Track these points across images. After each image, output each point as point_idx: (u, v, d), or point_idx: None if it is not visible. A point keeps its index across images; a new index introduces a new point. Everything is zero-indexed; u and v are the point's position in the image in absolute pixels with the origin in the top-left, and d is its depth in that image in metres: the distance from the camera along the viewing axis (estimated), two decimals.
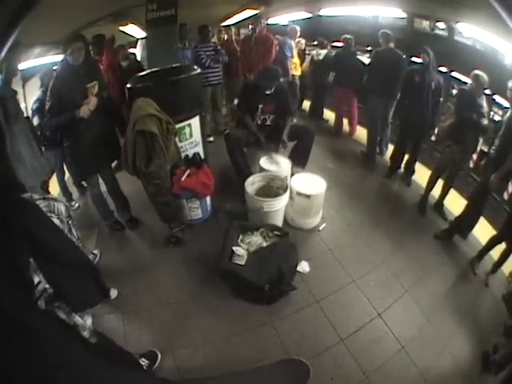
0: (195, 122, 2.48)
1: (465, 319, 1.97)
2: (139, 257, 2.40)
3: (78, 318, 1.15)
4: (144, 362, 1.62)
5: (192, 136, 2.51)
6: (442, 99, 2.97)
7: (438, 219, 2.83)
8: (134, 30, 3.48)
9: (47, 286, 1.02)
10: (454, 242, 2.60)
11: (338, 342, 1.78)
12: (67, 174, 2.80)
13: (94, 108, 2.05)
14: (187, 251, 2.38)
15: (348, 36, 3.72)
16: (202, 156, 2.60)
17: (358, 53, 3.87)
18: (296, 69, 4.26)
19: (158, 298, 2.04)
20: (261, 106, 2.79)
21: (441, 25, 3.32)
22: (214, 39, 4.10)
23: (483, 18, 2.56)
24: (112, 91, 2.55)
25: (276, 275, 1.91)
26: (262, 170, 2.66)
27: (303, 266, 2.20)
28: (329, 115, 4.45)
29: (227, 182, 2.94)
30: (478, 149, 2.73)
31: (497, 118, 2.79)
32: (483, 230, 2.53)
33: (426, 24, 3.50)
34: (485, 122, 2.49)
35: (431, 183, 2.86)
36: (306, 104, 4.77)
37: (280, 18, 4.85)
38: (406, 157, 3.28)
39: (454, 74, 3.24)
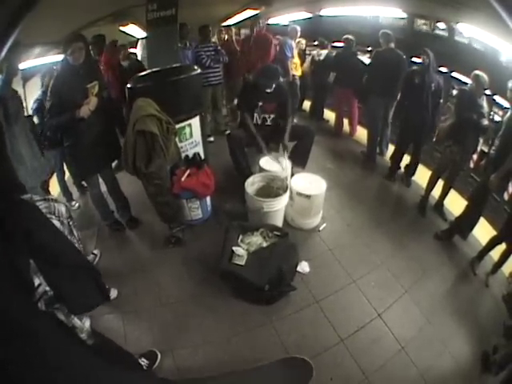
0: (195, 122, 2.49)
1: (465, 319, 1.97)
2: (139, 257, 2.40)
3: (76, 320, 1.15)
4: (144, 362, 1.62)
5: (192, 136, 2.51)
6: (442, 101, 2.97)
7: (438, 219, 2.83)
8: (135, 30, 3.48)
9: (47, 288, 1.02)
10: (454, 242, 2.60)
11: (337, 343, 1.78)
12: (67, 174, 2.81)
13: (94, 108, 2.05)
14: (187, 251, 2.38)
15: (349, 36, 3.71)
16: (202, 156, 2.60)
17: (359, 53, 3.86)
18: (296, 69, 4.25)
19: (158, 298, 2.04)
20: (260, 104, 2.79)
21: (441, 25, 3.31)
22: (215, 39, 4.10)
23: (483, 19, 2.56)
24: (112, 91, 2.55)
25: (276, 275, 1.91)
26: (261, 170, 2.66)
27: (303, 267, 2.20)
28: (329, 115, 4.45)
29: (227, 182, 2.94)
30: (478, 149, 2.73)
31: (497, 118, 2.79)
32: (483, 231, 2.53)
33: (426, 24, 3.50)
34: (485, 122, 2.48)
35: (431, 183, 2.86)
36: (307, 104, 4.77)
37: (280, 18, 4.85)
38: (408, 159, 3.28)
39: (454, 74, 3.23)
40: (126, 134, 2.09)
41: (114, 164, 2.52)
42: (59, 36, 2.26)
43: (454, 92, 3.12)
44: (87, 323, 1.21)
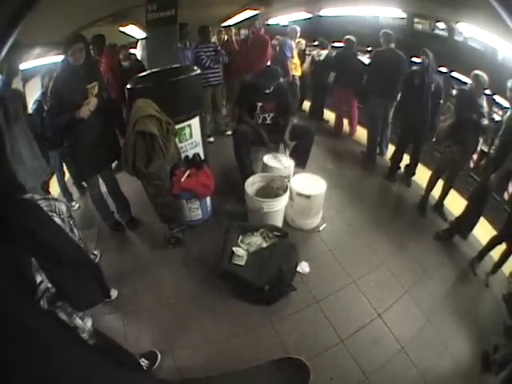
0: (195, 122, 2.49)
1: (465, 319, 1.97)
2: (139, 257, 2.40)
3: (78, 320, 1.15)
4: (144, 362, 1.62)
5: (192, 137, 2.51)
6: (441, 101, 2.97)
7: (438, 219, 2.83)
8: (134, 31, 3.48)
9: (49, 285, 1.02)
10: (454, 242, 2.60)
11: (337, 343, 1.78)
12: (67, 175, 2.81)
13: (94, 109, 2.05)
14: (187, 252, 2.38)
15: (350, 37, 3.70)
16: (202, 157, 2.60)
17: (359, 53, 3.86)
18: (296, 69, 4.25)
19: (158, 299, 2.04)
20: (260, 105, 2.79)
21: (441, 25, 3.31)
22: (215, 39, 4.11)
23: (483, 18, 2.56)
24: (112, 92, 2.55)
25: (276, 276, 1.91)
26: (265, 167, 2.65)
27: (303, 267, 2.20)
28: (329, 115, 4.45)
29: (227, 182, 2.94)
30: (478, 149, 2.73)
31: (497, 117, 2.79)
32: (483, 231, 2.53)
33: (423, 23, 3.50)
34: (485, 121, 2.48)
35: (431, 183, 2.85)
36: (306, 104, 4.76)
37: (280, 19, 4.85)
38: (407, 159, 3.28)
39: (453, 74, 3.23)
40: (126, 134, 2.09)
41: (113, 164, 2.53)
42: (59, 36, 2.26)
43: (454, 92, 3.12)
44: (89, 323, 1.21)
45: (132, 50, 3.74)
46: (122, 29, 3.43)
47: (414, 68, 3.02)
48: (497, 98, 2.78)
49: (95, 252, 2.36)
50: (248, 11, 4.15)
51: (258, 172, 2.67)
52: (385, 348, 1.77)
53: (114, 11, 3.11)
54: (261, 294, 1.92)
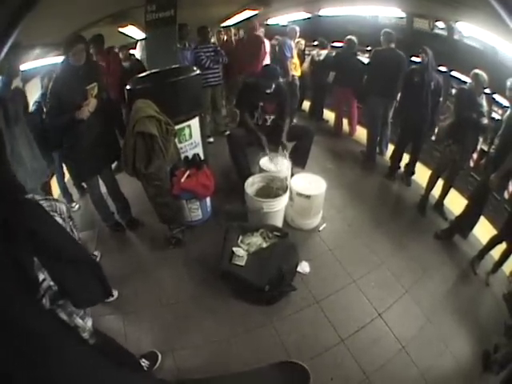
0: (195, 123, 2.49)
1: (465, 319, 1.97)
2: (139, 258, 2.40)
3: (78, 320, 1.15)
4: (144, 362, 1.62)
5: (192, 137, 2.51)
6: (441, 99, 2.97)
7: (438, 219, 2.83)
8: (134, 32, 3.48)
9: (51, 283, 1.02)
10: (454, 241, 2.59)
11: (338, 343, 1.77)
12: (67, 176, 2.81)
13: (94, 109, 2.05)
14: (187, 252, 2.38)
15: (352, 37, 3.69)
16: (202, 157, 2.60)
17: (358, 53, 3.86)
18: (296, 69, 4.26)
19: (159, 299, 2.04)
20: (261, 105, 2.79)
21: (440, 24, 3.31)
22: (214, 40, 4.11)
23: (482, 17, 2.56)
24: (112, 93, 2.55)
25: (276, 276, 1.91)
26: (261, 170, 2.66)
27: (303, 267, 2.20)
28: (329, 115, 4.45)
29: (227, 182, 2.94)
30: (478, 148, 2.73)
31: (497, 117, 2.79)
32: (484, 230, 2.53)
33: (425, 23, 3.50)
34: (485, 121, 2.48)
35: (431, 183, 2.85)
36: (306, 104, 4.76)
37: (280, 19, 4.86)
38: (407, 157, 3.28)
39: (453, 73, 3.23)
40: (126, 135, 2.09)
41: (113, 165, 2.53)
42: (59, 37, 2.26)
43: (454, 91, 3.12)
44: (89, 323, 1.21)
45: (131, 51, 3.75)
46: (121, 29, 3.43)
47: (414, 66, 3.02)
48: (496, 97, 2.78)
49: (95, 253, 2.36)
50: (247, 11, 4.15)
51: (256, 173, 2.67)
52: (385, 348, 1.77)
53: (113, 12, 3.11)
54: (261, 294, 1.92)
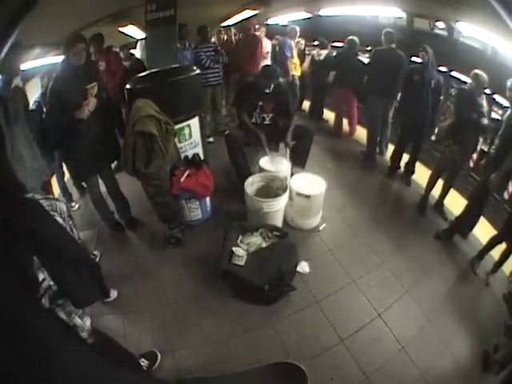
0: (195, 122, 2.49)
1: (465, 319, 1.97)
2: (139, 257, 2.40)
3: (77, 319, 1.15)
4: (144, 362, 1.61)
5: (191, 137, 2.51)
6: (442, 98, 2.97)
7: (438, 219, 2.83)
8: (134, 31, 3.48)
9: (51, 283, 1.02)
10: (454, 241, 2.59)
11: (337, 343, 1.77)
12: (67, 175, 2.81)
13: (94, 109, 2.05)
14: (187, 252, 2.38)
15: (353, 38, 3.69)
16: (202, 157, 2.60)
17: (359, 53, 3.86)
18: (296, 69, 4.26)
19: (158, 299, 2.04)
20: (260, 104, 2.79)
21: (440, 24, 3.31)
22: (214, 39, 4.11)
23: (482, 17, 2.56)
24: (112, 92, 2.55)
25: (276, 276, 1.91)
26: (261, 170, 2.65)
27: (303, 267, 2.20)
28: (329, 115, 4.45)
29: (227, 182, 2.94)
30: (478, 148, 2.73)
31: (497, 117, 2.78)
32: (483, 230, 2.53)
33: (425, 23, 3.50)
34: (485, 121, 2.48)
35: (431, 183, 2.85)
36: (306, 104, 4.76)
37: (280, 19, 4.86)
38: (407, 157, 3.28)
39: (453, 73, 3.23)
40: (126, 134, 2.09)
41: (113, 165, 2.53)
42: (59, 37, 2.26)
43: (454, 91, 3.12)
44: (88, 322, 1.21)
45: (132, 51, 3.75)
46: (121, 29, 3.43)
47: (414, 65, 3.02)
48: (496, 97, 2.78)
49: (95, 252, 2.36)
50: (247, 11, 4.15)
51: (256, 173, 2.67)
52: (385, 348, 1.77)
53: (113, 11, 3.11)
54: (261, 294, 1.92)
